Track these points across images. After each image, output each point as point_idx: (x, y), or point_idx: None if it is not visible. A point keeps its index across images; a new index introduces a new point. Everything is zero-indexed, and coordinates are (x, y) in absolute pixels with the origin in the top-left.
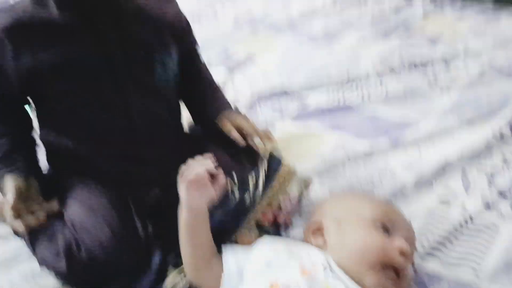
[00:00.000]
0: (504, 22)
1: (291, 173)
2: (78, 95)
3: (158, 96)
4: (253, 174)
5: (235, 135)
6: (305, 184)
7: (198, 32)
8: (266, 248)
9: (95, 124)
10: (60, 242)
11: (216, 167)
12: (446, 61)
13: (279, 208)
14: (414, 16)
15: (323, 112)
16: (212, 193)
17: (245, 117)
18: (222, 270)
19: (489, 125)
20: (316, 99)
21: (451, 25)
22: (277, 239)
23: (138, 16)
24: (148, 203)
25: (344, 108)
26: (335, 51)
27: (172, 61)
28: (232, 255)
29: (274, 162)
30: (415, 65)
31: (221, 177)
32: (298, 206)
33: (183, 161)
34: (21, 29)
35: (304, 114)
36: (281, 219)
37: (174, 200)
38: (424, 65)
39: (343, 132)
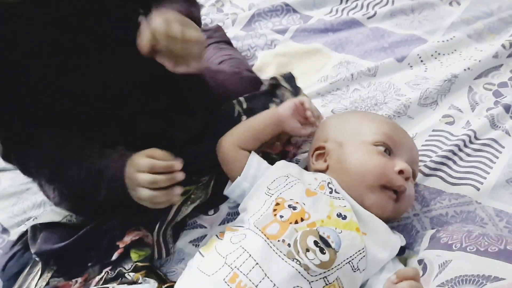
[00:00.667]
0: None
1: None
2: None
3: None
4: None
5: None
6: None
7: None
8: (279, 170)
9: None
10: None
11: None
12: None
13: (289, 141)
14: None
15: (326, 29)
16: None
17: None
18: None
19: (499, 40)
20: (319, 15)
21: None
22: (291, 164)
23: None
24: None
25: (348, 24)
26: None
27: None
28: (256, 161)
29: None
30: None
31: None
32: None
33: None
34: None
35: (306, 31)
36: (289, 149)
37: None
38: None
39: (346, 51)
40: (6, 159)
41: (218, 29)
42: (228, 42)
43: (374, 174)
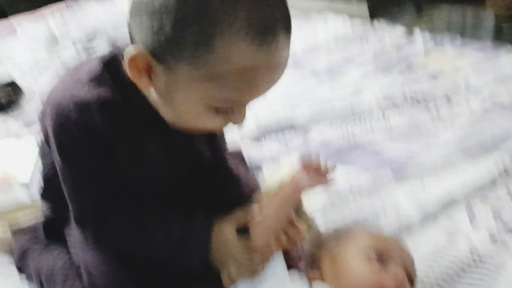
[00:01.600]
0: (504, 59)
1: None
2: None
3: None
4: None
5: None
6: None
7: None
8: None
9: None
10: None
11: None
12: (448, 97)
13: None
14: (414, 53)
15: (327, 146)
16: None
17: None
18: None
19: (493, 159)
20: (321, 133)
21: (451, 62)
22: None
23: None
24: None
25: (348, 142)
26: (338, 86)
27: None
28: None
29: None
30: (418, 100)
31: None
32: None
33: None
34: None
35: (307, 145)
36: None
37: None
38: (426, 100)
39: (347, 166)
40: (79, 222)
41: (240, 152)
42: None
43: (369, 282)
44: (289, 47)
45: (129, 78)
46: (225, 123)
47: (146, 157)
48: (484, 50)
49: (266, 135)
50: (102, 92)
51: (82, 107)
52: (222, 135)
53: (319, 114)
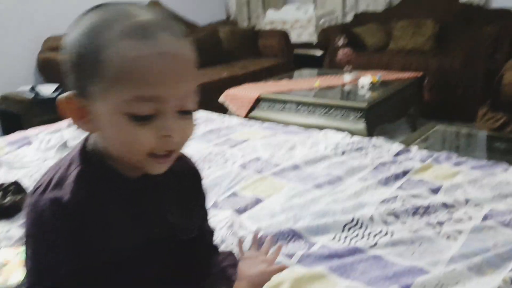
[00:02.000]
0: (500, 175)
1: None
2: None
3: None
4: None
5: None
6: None
7: (208, 176)
8: None
9: None
10: None
11: None
12: (448, 210)
13: None
14: (413, 167)
15: (330, 255)
16: None
17: None
18: None
19: (498, 273)
20: (324, 245)
21: (449, 178)
22: None
23: (180, 181)
24: None
25: (352, 255)
26: (339, 196)
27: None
28: None
29: None
30: (419, 213)
31: None
32: None
33: None
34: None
35: (310, 256)
36: None
37: None
38: (427, 213)
39: (352, 278)
40: None
41: (231, 254)
42: (235, 266)
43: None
44: (178, 40)
45: (95, 153)
46: (157, 136)
47: (110, 228)
48: (481, 168)
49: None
50: (74, 171)
51: (54, 187)
52: (202, 207)
53: (321, 226)
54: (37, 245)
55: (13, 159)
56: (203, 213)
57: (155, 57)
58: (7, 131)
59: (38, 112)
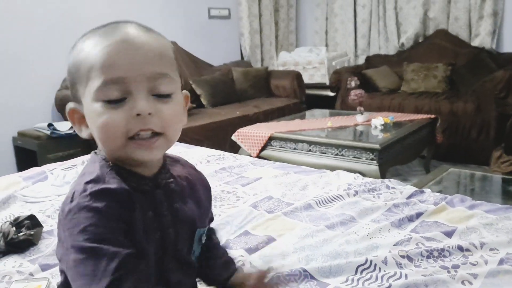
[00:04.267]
0: None
1: None
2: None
3: (191, 270)
4: None
5: None
6: None
7: (219, 214)
8: None
9: None
10: None
11: None
12: (464, 254)
13: None
14: (427, 209)
15: None
16: None
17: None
18: None
19: None
20: (335, 284)
21: (464, 220)
22: None
23: (185, 191)
24: None
25: None
26: (352, 237)
27: (204, 237)
28: None
29: None
30: (433, 256)
31: None
32: None
33: None
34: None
35: None
36: None
37: None
38: (442, 256)
39: None
40: None
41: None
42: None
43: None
44: (146, 33)
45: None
46: (129, 116)
47: (136, 226)
48: (495, 211)
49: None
50: (97, 182)
51: (82, 195)
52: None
53: (334, 267)
54: (88, 243)
55: (28, 193)
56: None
57: (117, 44)
58: (22, 167)
59: (53, 148)
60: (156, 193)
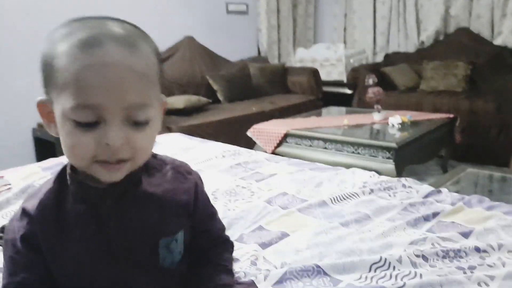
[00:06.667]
0: None
1: None
2: (77, 273)
3: (163, 274)
4: None
5: None
6: None
7: (233, 209)
8: None
9: None
10: None
11: None
12: (481, 255)
13: None
14: (443, 209)
15: None
16: None
17: None
18: None
19: None
20: (348, 281)
21: (481, 221)
22: None
23: (146, 203)
24: None
25: None
26: (366, 235)
27: (179, 244)
28: None
29: None
30: (449, 256)
31: None
32: None
33: None
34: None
35: None
36: None
37: None
38: (458, 256)
39: None
40: None
41: (251, 284)
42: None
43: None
44: (129, 51)
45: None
46: (98, 143)
47: (69, 245)
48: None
49: (291, 281)
50: (44, 194)
51: (22, 212)
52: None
53: (347, 264)
54: (5, 256)
55: None
56: (208, 213)
57: (97, 68)
58: (41, 158)
59: None
60: (105, 203)
